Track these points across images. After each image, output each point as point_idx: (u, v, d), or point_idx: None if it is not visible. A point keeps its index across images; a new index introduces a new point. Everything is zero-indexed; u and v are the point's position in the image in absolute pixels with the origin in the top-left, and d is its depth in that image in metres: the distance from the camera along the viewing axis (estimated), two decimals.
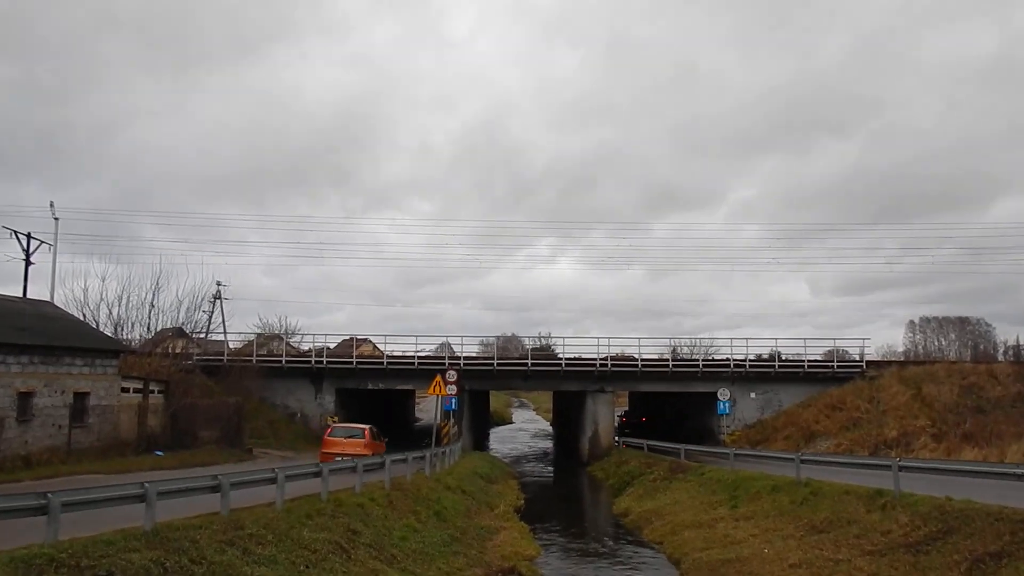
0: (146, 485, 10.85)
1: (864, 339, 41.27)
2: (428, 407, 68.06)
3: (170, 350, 37.05)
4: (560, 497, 29.94)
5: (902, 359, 51.16)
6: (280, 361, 39.77)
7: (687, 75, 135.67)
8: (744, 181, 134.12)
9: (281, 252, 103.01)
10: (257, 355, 39.47)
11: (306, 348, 44.06)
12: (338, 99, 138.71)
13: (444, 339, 39.83)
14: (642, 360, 40.44)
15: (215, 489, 12.43)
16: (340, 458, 20.95)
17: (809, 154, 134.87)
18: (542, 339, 67.27)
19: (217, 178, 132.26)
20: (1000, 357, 59.01)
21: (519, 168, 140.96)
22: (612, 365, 39.52)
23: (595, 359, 39.71)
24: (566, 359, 40.75)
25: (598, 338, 40.25)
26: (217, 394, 33.35)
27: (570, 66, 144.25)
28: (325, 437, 26.43)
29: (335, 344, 49.67)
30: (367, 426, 26.91)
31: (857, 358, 41.00)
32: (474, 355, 42.97)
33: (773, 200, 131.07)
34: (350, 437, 25.79)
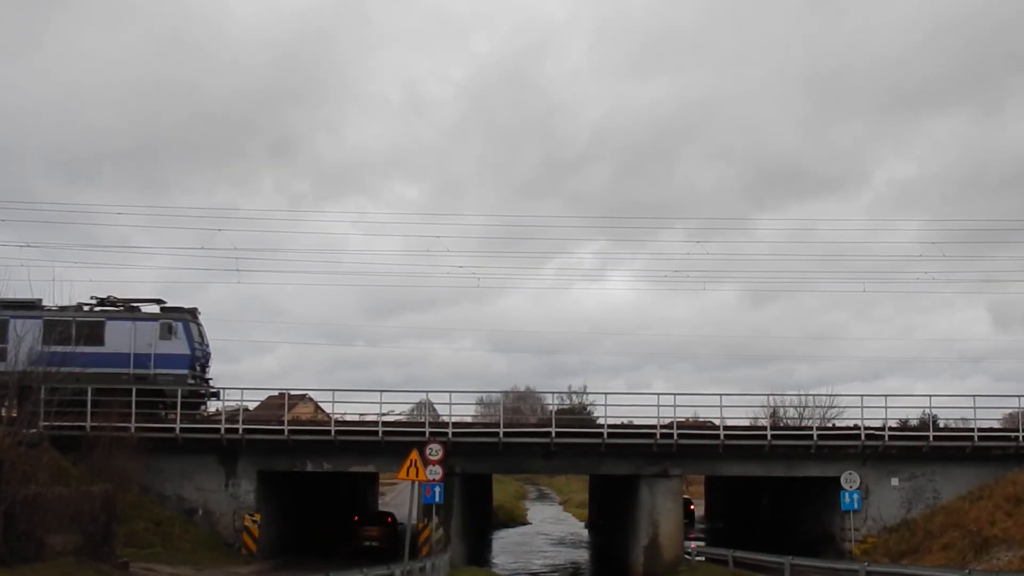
0: None
1: None
2: (399, 499, 68.00)
3: (3, 413, 37.05)
4: None
5: None
6: (173, 431, 39.79)
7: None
8: (900, 154, 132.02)
9: (183, 262, 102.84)
10: (138, 421, 39.44)
11: (212, 410, 43.96)
12: (279, 31, 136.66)
13: (424, 395, 39.76)
14: (725, 429, 40.35)
15: None
16: None
17: (1002, 112, 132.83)
18: (574, 396, 67.20)
19: (87, 153, 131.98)
20: None
21: (556, 135, 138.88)
22: (679, 437, 39.44)
23: (654, 428, 39.63)
24: (610, 427, 40.68)
25: (658, 394, 40.19)
26: (76, 480, 33.26)
27: None
28: None
29: (257, 404, 49.55)
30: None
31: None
32: (470, 420, 42.96)
33: (942, 183, 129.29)
34: None
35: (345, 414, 41.65)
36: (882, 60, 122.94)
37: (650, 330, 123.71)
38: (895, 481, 39.30)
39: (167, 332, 41.65)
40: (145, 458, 37.74)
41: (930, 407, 41.90)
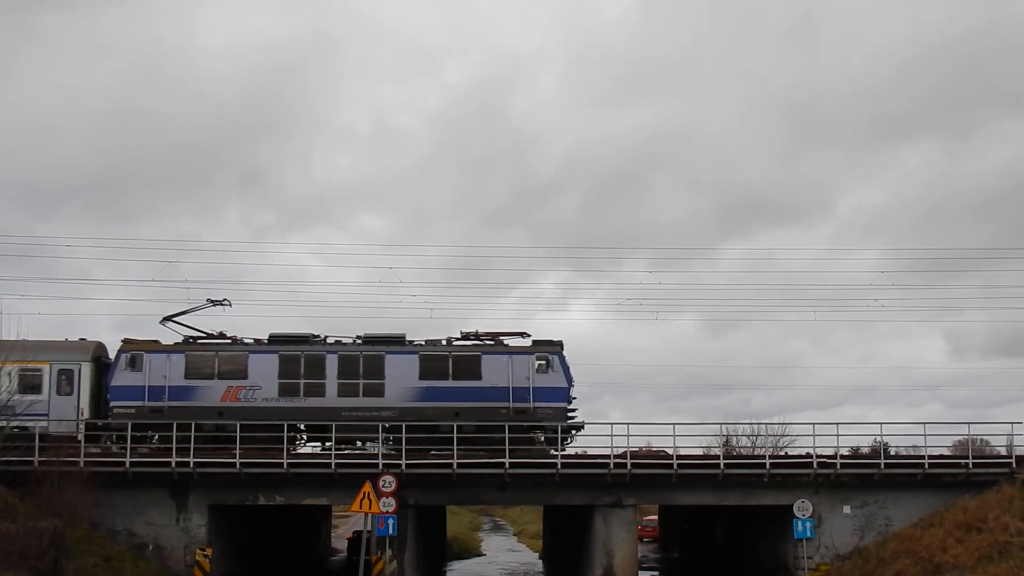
0: None
1: (1014, 423, 41.22)
2: (353, 532, 67.60)
3: None
4: None
5: None
6: (123, 464, 39.38)
7: (801, 26, 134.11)
8: (868, 183, 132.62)
9: (143, 294, 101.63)
10: (87, 455, 39.03)
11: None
12: (250, 62, 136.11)
13: (377, 427, 39.59)
14: (679, 458, 40.41)
15: None
16: None
17: (970, 142, 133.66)
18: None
19: (53, 184, 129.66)
20: None
21: (525, 165, 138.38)
22: (633, 467, 39.48)
23: (608, 458, 39.66)
24: (563, 458, 40.71)
25: (612, 424, 40.16)
26: (23, 515, 32.85)
27: (615, 10, 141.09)
28: None
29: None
30: None
31: (1004, 452, 41.15)
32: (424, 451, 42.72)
33: (908, 212, 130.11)
34: None
35: (299, 446, 41.53)
36: (856, 91, 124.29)
37: (610, 360, 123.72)
38: (847, 509, 39.50)
39: (544, 366, 41.70)
40: (95, 493, 37.32)
41: (881, 434, 42.20)
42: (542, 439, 41.33)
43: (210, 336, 42.61)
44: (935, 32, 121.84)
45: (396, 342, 42.08)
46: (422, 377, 41.06)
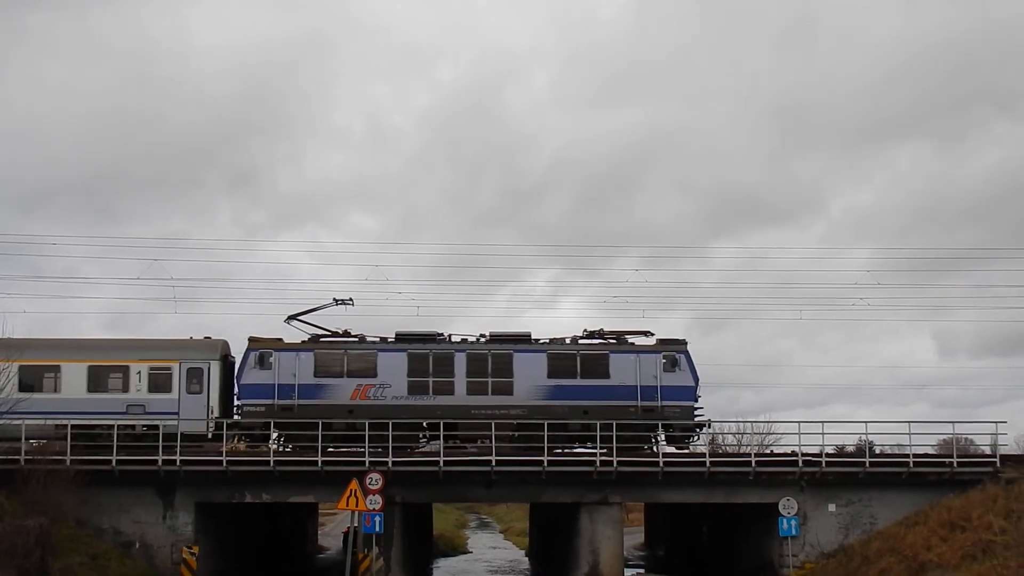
0: None
1: (998, 423, 41.36)
2: (339, 529, 67.51)
3: None
4: None
5: None
6: (109, 463, 39.31)
7: (795, 28, 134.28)
8: (859, 184, 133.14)
9: (131, 292, 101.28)
10: (74, 453, 38.94)
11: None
12: (243, 62, 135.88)
13: (364, 424, 39.59)
14: (664, 456, 40.55)
15: None
16: None
17: (962, 144, 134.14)
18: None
19: (44, 183, 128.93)
20: None
21: (517, 165, 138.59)
22: (619, 464, 39.59)
23: (594, 456, 39.80)
24: (550, 456, 40.74)
25: (599, 422, 40.18)
26: (9, 513, 32.80)
27: (608, 10, 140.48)
28: None
29: None
30: None
31: (988, 451, 41.32)
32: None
33: (899, 213, 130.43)
34: None
35: (285, 445, 41.53)
36: (848, 93, 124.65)
37: None
38: (832, 507, 39.64)
39: (671, 364, 41.96)
40: (81, 491, 37.31)
41: (867, 433, 42.33)
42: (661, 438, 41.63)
43: (334, 334, 42.85)
44: (928, 35, 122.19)
45: (523, 340, 42.46)
46: (550, 375, 41.52)
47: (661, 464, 39.62)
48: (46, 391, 40.89)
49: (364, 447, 38.74)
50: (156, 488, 39.13)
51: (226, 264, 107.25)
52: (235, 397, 41.97)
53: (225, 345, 43.04)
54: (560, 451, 40.90)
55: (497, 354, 41.72)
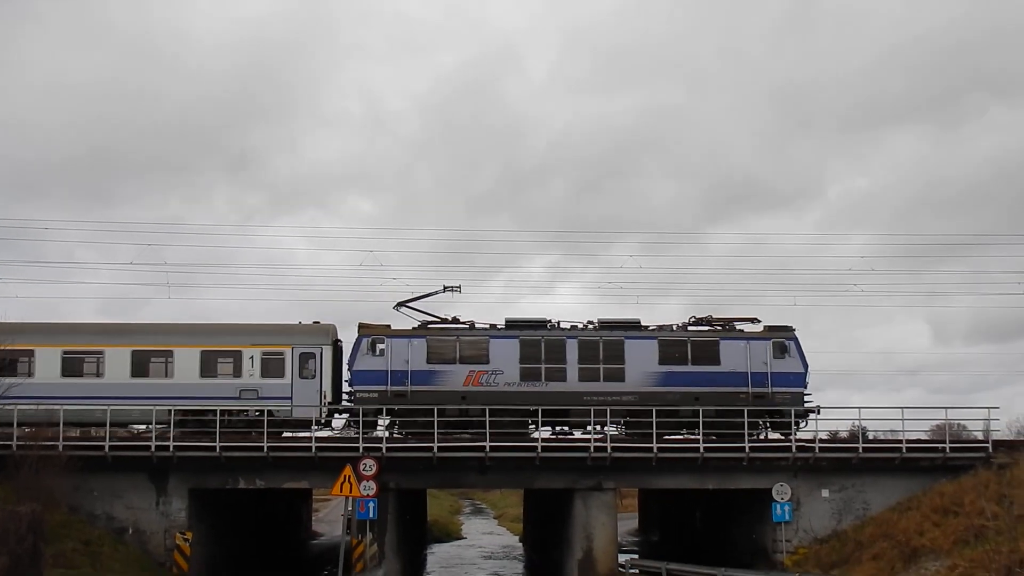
0: None
1: (990, 408, 41.44)
2: (333, 515, 67.58)
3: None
4: None
5: None
6: (103, 448, 39.24)
7: (794, 14, 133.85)
8: (856, 169, 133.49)
9: (128, 277, 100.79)
10: (66, 438, 38.88)
11: (142, 427, 43.32)
12: (242, 45, 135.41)
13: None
14: (659, 442, 40.54)
15: None
16: None
17: (959, 130, 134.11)
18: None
19: (39, 165, 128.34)
20: None
21: (515, 149, 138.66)
22: (613, 450, 39.59)
23: (588, 441, 39.79)
24: (544, 441, 40.82)
25: (592, 409, 40.19)
26: (2, 500, 32.68)
27: None
28: None
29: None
30: None
31: (981, 437, 41.37)
32: (404, 435, 42.77)
33: (896, 198, 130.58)
34: None
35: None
36: (848, 77, 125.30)
37: None
38: (826, 492, 39.69)
39: (780, 351, 42.19)
40: (74, 477, 37.22)
41: (860, 419, 42.36)
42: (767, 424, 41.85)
43: (444, 320, 43.00)
44: (926, 20, 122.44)
45: (634, 327, 42.57)
46: (661, 362, 41.70)
47: (655, 450, 39.64)
48: (156, 376, 41.27)
49: (474, 433, 39.54)
50: (149, 474, 39.06)
51: (222, 249, 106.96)
52: (346, 383, 42.24)
53: (335, 330, 43.24)
54: (669, 437, 40.99)
55: (609, 341, 41.88)
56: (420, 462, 39.54)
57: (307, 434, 40.37)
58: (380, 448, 38.32)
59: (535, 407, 40.62)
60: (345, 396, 42.33)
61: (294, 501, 56.98)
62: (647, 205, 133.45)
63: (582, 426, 41.58)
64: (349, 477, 31.11)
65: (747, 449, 39.49)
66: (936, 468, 39.46)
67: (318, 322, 43.43)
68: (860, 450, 39.99)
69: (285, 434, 40.47)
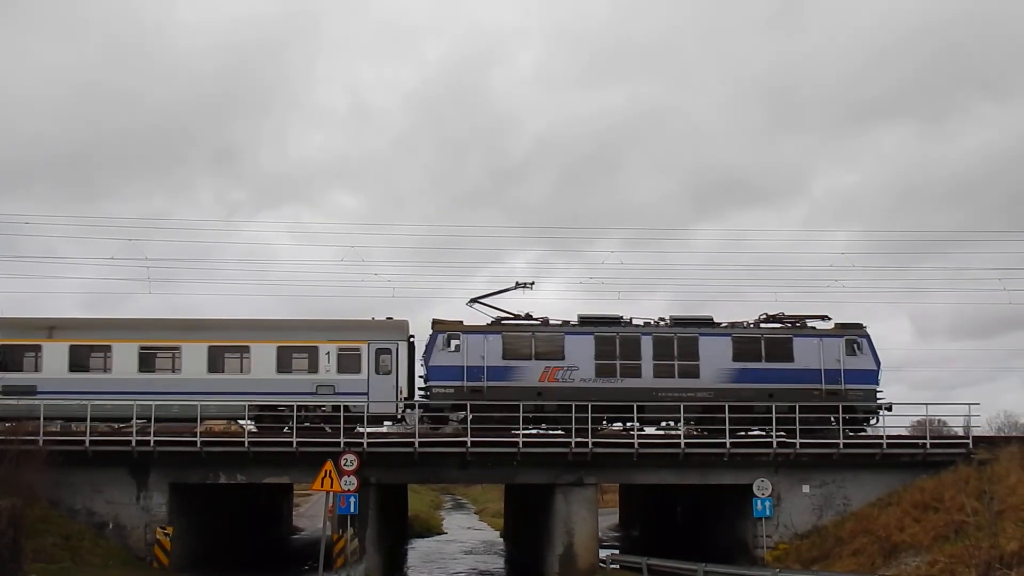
0: None
1: (971, 404, 41.63)
2: (314, 510, 67.45)
3: None
4: None
5: None
6: (83, 442, 39.09)
7: (782, 11, 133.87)
8: (843, 165, 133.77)
9: (112, 272, 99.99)
10: (47, 433, 38.69)
11: (125, 423, 43.15)
12: (227, 39, 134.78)
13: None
14: (640, 437, 40.57)
15: None
16: None
17: (945, 127, 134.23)
18: None
19: (22, 160, 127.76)
20: None
21: (501, 145, 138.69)
22: (594, 446, 39.60)
23: (569, 437, 39.80)
24: (525, 436, 40.82)
25: (573, 404, 40.15)
26: None
27: None
28: None
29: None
30: None
31: (961, 433, 41.52)
32: (384, 430, 42.74)
33: (881, 195, 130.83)
34: None
35: (259, 425, 41.40)
36: (834, 75, 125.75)
37: None
38: (806, 488, 39.80)
39: (853, 348, 42.25)
40: (54, 471, 37.03)
41: (842, 415, 42.41)
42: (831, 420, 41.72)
43: (517, 317, 42.95)
44: (914, 17, 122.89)
45: (707, 324, 42.68)
46: (735, 359, 41.76)
47: (636, 446, 39.70)
48: (232, 371, 41.11)
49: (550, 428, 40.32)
50: (130, 468, 38.95)
51: (205, 244, 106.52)
52: (421, 378, 42.24)
53: (408, 325, 43.13)
54: (743, 434, 41.31)
55: (683, 337, 41.95)
56: (401, 457, 39.50)
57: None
58: (361, 443, 38.27)
59: (610, 403, 40.90)
60: (419, 392, 42.34)
61: (275, 496, 56.93)
62: (632, 201, 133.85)
63: (655, 422, 41.92)
64: (330, 472, 30.99)
65: (728, 445, 39.61)
66: (916, 464, 39.56)
67: (391, 318, 43.35)
68: (841, 446, 40.06)
69: (358, 429, 40.25)
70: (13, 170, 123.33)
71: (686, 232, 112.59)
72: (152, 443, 38.55)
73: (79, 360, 40.46)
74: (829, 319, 43.43)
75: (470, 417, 39.72)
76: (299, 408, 39.55)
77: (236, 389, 40.21)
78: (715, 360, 41.62)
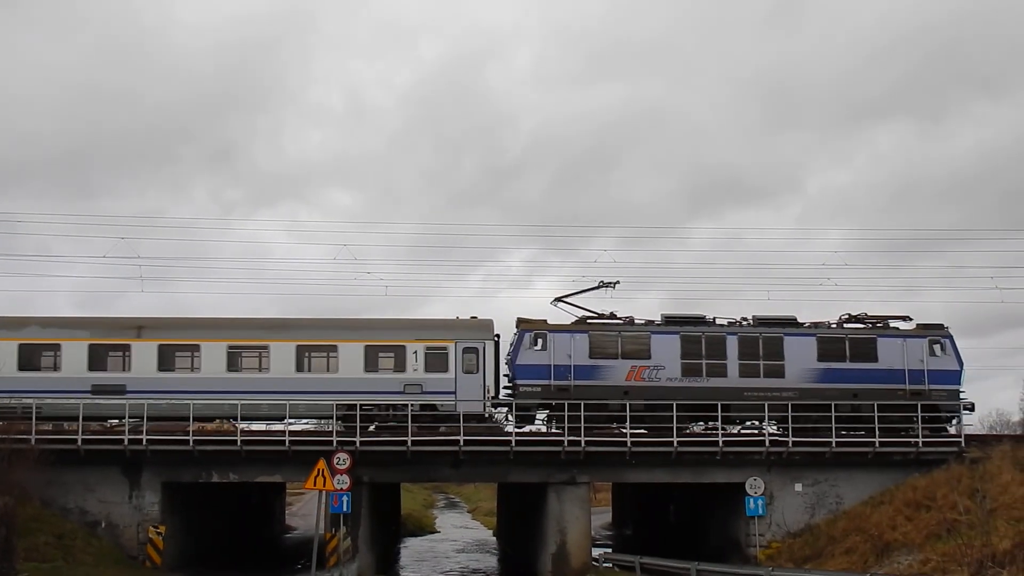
0: None
1: (963, 403, 41.75)
2: (307, 509, 67.42)
3: None
4: None
5: (1020, 432, 51.85)
6: (75, 442, 39.01)
7: (779, 9, 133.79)
8: (839, 164, 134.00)
9: (105, 271, 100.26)
10: (38, 432, 38.62)
11: (115, 421, 43.05)
12: (224, 37, 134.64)
13: (332, 404, 39.45)
14: (632, 436, 40.57)
15: None
16: None
17: (941, 125, 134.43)
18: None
19: (18, 158, 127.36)
20: None
21: (497, 143, 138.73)
22: (587, 444, 39.61)
23: (562, 435, 39.76)
24: (518, 435, 40.84)
25: (566, 402, 40.17)
26: None
27: None
28: None
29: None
30: None
31: (953, 431, 41.61)
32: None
33: (877, 193, 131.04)
34: None
35: (252, 425, 41.29)
36: (830, 74, 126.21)
37: None
38: (799, 487, 39.85)
39: (936, 348, 42.29)
40: (46, 470, 36.93)
41: (834, 413, 42.44)
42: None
43: (602, 316, 42.96)
44: (911, 16, 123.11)
45: (791, 324, 42.71)
46: (820, 359, 41.83)
47: (629, 444, 39.70)
48: (319, 371, 41.23)
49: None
50: (122, 467, 38.90)
51: (201, 242, 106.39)
52: (507, 377, 42.28)
53: (493, 324, 43.05)
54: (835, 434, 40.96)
55: (768, 337, 41.99)
56: (394, 456, 39.44)
57: (281, 427, 40.16)
58: (354, 442, 38.22)
59: (696, 402, 40.88)
60: (505, 390, 42.38)
61: (268, 495, 56.85)
62: (629, 199, 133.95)
63: (741, 421, 42.08)
64: (323, 471, 30.93)
65: (720, 443, 39.66)
66: (909, 463, 39.64)
67: (475, 317, 43.32)
68: (833, 444, 40.09)
69: (442, 428, 40.39)
70: (9, 168, 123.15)
71: (682, 230, 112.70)
72: (144, 442, 38.42)
73: (167, 359, 40.70)
74: (911, 319, 43.66)
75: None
76: (386, 407, 39.99)
77: (324, 388, 40.29)
78: (800, 360, 41.73)
